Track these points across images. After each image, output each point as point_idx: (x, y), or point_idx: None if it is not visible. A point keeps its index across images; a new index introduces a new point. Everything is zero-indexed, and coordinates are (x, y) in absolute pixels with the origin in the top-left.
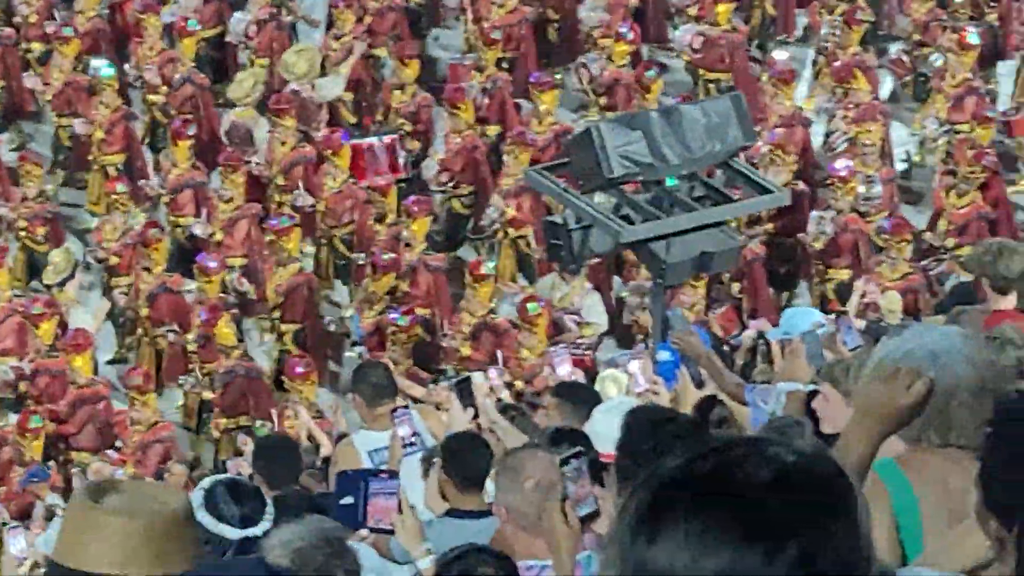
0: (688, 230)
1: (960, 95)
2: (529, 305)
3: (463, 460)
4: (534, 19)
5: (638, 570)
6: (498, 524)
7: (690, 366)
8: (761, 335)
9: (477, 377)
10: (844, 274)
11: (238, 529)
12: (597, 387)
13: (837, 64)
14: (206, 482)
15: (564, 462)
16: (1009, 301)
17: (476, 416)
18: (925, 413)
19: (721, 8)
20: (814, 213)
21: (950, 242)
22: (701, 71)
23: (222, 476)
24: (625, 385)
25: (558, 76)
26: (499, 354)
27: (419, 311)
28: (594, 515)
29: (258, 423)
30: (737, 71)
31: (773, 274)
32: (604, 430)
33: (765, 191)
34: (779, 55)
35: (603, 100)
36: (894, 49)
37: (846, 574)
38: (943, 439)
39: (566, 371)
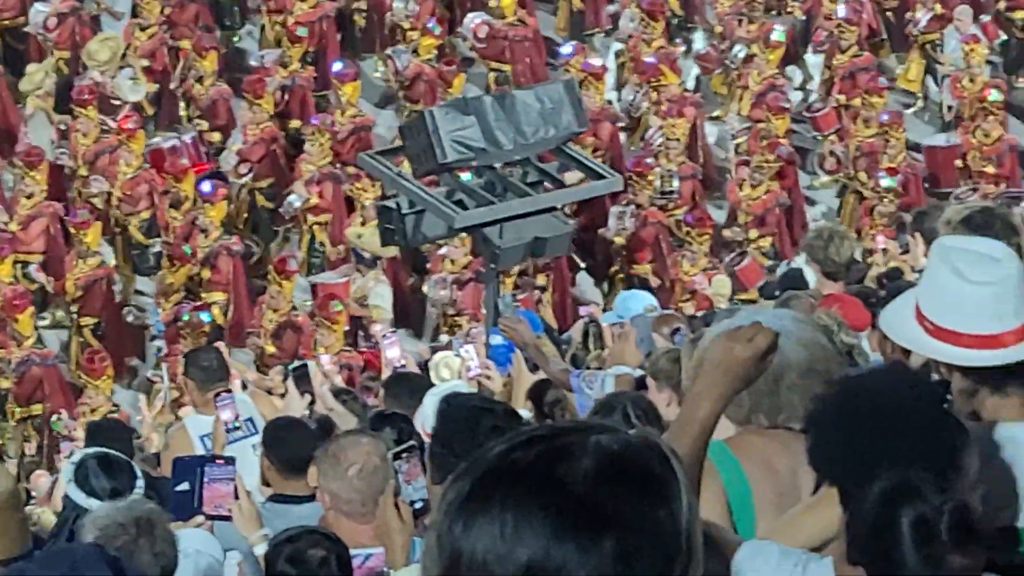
0: (521, 215)
1: (763, 92)
2: (332, 302)
3: (284, 445)
4: (336, 12)
5: (453, 558)
6: (321, 510)
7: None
8: (593, 320)
9: (311, 364)
10: (647, 268)
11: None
12: (431, 371)
13: (644, 63)
14: (76, 455)
15: (397, 456)
16: (838, 286)
17: (312, 402)
18: (755, 395)
19: (505, 0)
20: (614, 208)
21: (753, 233)
22: (487, 61)
23: (92, 449)
24: (458, 369)
25: (377, 67)
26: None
27: (217, 295)
28: (428, 508)
29: (54, 417)
30: (520, 63)
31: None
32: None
33: (599, 176)
34: (565, 49)
35: (405, 93)
36: (699, 41)
37: (665, 566)
38: (772, 420)
39: (396, 354)
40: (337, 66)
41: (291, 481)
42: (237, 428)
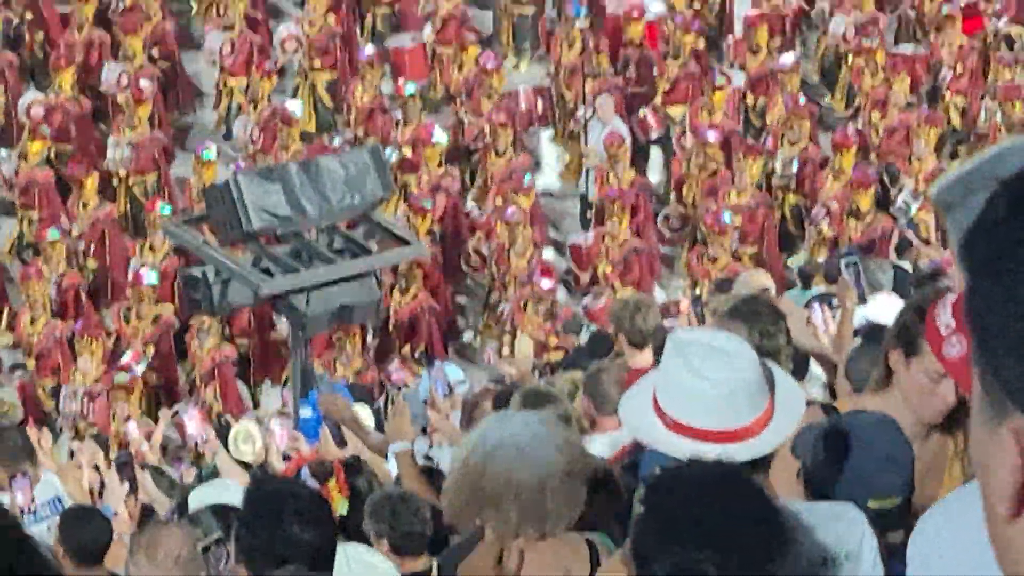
0: (327, 282)
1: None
2: None
3: (77, 534)
4: None
5: None
6: None
7: (330, 424)
8: (399, 387)
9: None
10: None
11: None
12: (229, 444)
13: None
14: None
15: (206, 549)
16: (645, 356)
17: (134, 490)
18: (521, 508)
19: (65, 79)
20: None
21: None
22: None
23: None
24: (259, 441)
25: None
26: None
27: None
28: None
29: None
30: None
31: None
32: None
33: (404, 243)
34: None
35: None
36: None
37: None
38: (540, 530)
39: (195, 430)
40: None
41: (84, 570)
42: (33, 511)
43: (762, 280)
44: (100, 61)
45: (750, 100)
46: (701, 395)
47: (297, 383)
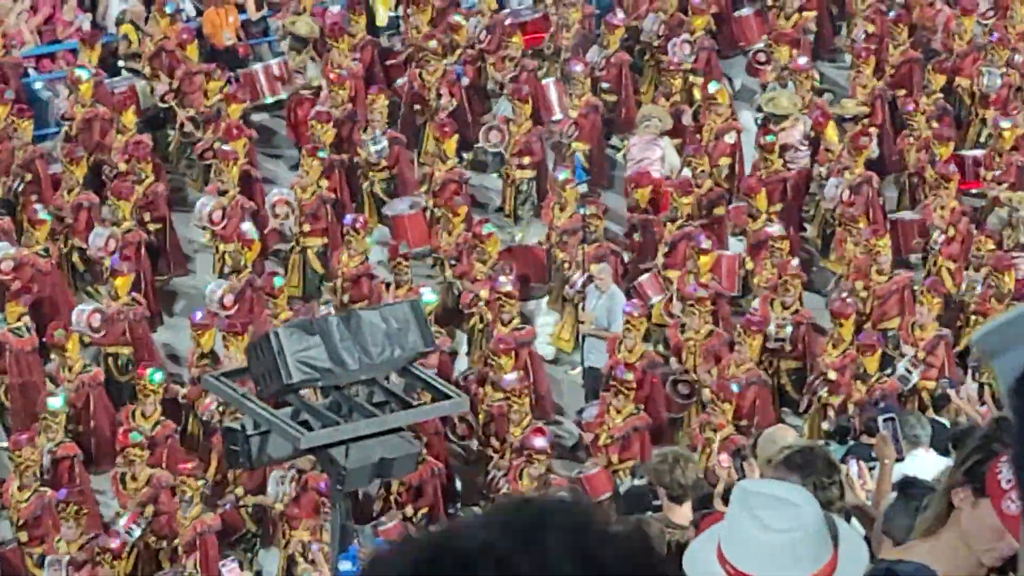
0: (367, 436)
1: None
2: None
3: None
4: None
5: None
6: None
7: None
8: None
9: None
10: (305, 535)
11: None
12: None
13: None
14: None
15: None
16: (685, 510)
17: None
18: None
19: (39, 234)
20: (275, 472)
21: None
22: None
23: None
24: None
25: None
26: None
27: None
28: None
29: None
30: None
31: None
32: None
33: (445, 396)
34: None
35: None
36: None
37: None
38: None
39: None
40: None
41: None
42: None
43: (788, 435)
44: (89, 224)
45: (750, 266)
46: (765, 546)
47: (336, 537)
